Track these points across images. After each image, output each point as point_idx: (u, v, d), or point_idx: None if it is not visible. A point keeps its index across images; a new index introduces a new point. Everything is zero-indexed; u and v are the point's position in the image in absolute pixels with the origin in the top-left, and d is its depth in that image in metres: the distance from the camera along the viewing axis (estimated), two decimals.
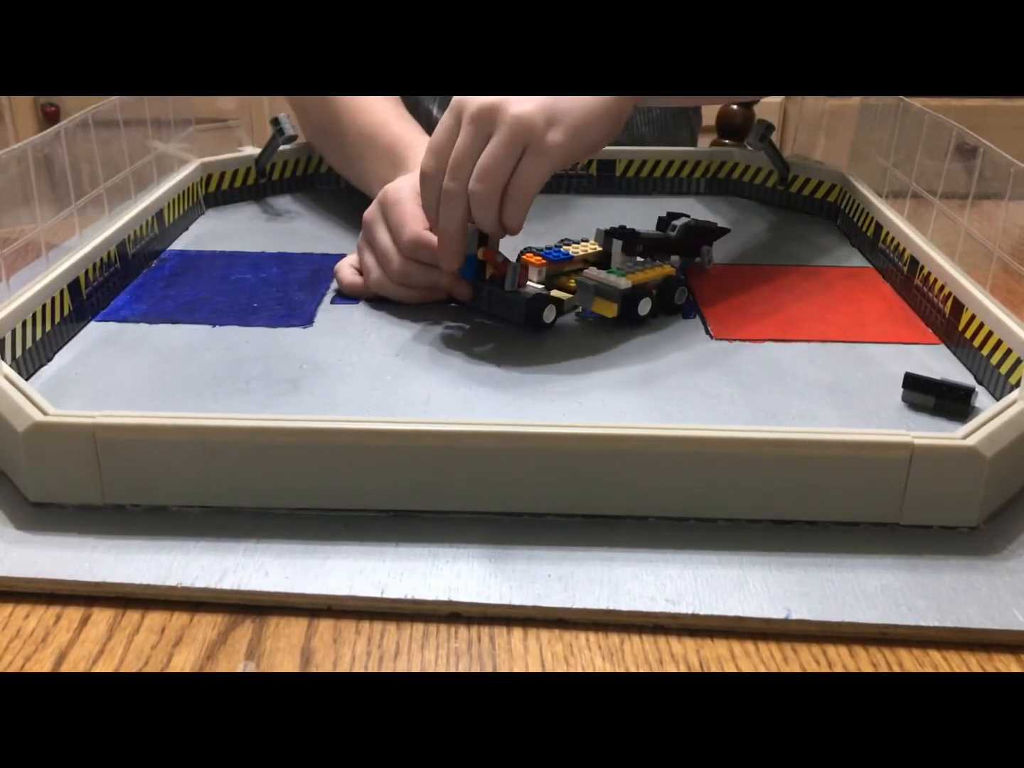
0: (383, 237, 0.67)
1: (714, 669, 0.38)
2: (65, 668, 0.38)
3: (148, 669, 0.38)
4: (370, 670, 0.38)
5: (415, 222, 0.64)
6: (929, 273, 0.65)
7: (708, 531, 0.45)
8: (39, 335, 0.58)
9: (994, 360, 0.56)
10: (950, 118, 0.64)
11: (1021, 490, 0.48)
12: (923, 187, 0.68)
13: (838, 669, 0.38)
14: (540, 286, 0.64)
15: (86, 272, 0.64)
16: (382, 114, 0.79)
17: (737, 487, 0.45)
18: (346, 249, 0.77)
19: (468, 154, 0.58)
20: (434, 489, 0.45)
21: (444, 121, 0.60)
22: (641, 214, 0.86)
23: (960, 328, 0.60)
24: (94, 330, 0.63)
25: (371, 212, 0.68)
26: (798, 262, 0.76)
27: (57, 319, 0.60)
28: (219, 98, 0.92)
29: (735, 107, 0.95)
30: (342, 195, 0.89)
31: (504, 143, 0.57)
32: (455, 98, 0.60)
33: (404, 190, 0.66)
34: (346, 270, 0.69)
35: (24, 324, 0.56)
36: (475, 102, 0.58)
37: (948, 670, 0.38)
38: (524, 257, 0.65)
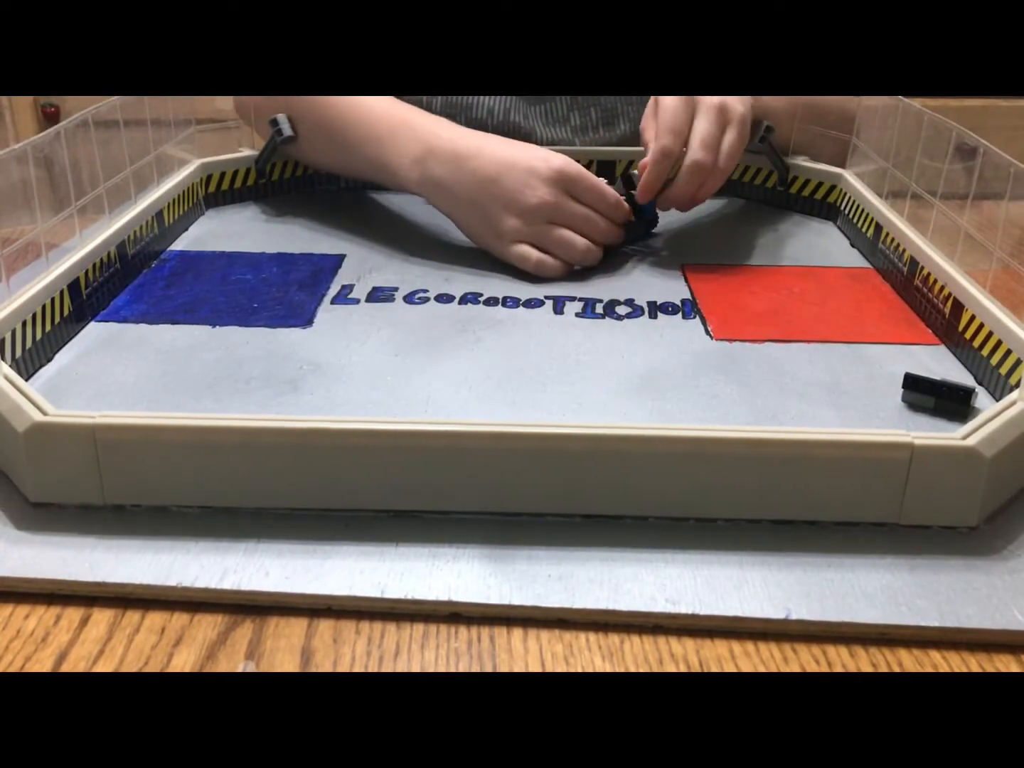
0: (580, 209, 0.72)
1: (714, 669, 0.38)
2: (65, 668, 0.38)
3: (148, 669, 0.38)
4: (370, 670, 0.38)
5: (606, 186, 0.73)
6: (929, 273, 0.65)
7: (708, 531, 0.45)
8: (39, 335, 0.58)
9: (994, 360, 0.56)
10: (950, 118, 0.64)
11: (1021, 490, 0.48)
12: (923, 187, 0.68)
13: (838, 669, 0.38)
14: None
15: (86, 272, 0.64)
16: (368, 100, 0.79)
17: (737, 487, 0.45)
18: (346, 249, 0.77)
19: (715, 135, 0.72)
20: (434, 489, 0.45)
21: (678, 108, 0.71)
22: None
23: (960, 328, 0.60)
24: (94, 330, 0.63)
25: (549, 193, 0.71)
26: (798, 262, 0.76)
27: (57, 319, 0.60)
28: (219, 98, 0.91)
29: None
30: (342, 195, 0.89)
31: (714, 119, 0.72)
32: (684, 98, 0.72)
33: (573, 163, 0.72)
34: (542, 257, 0.72)
35: (24, 324, 0.56)
36: (709, 99, 0.72)
37: (948, 670, 0.38)
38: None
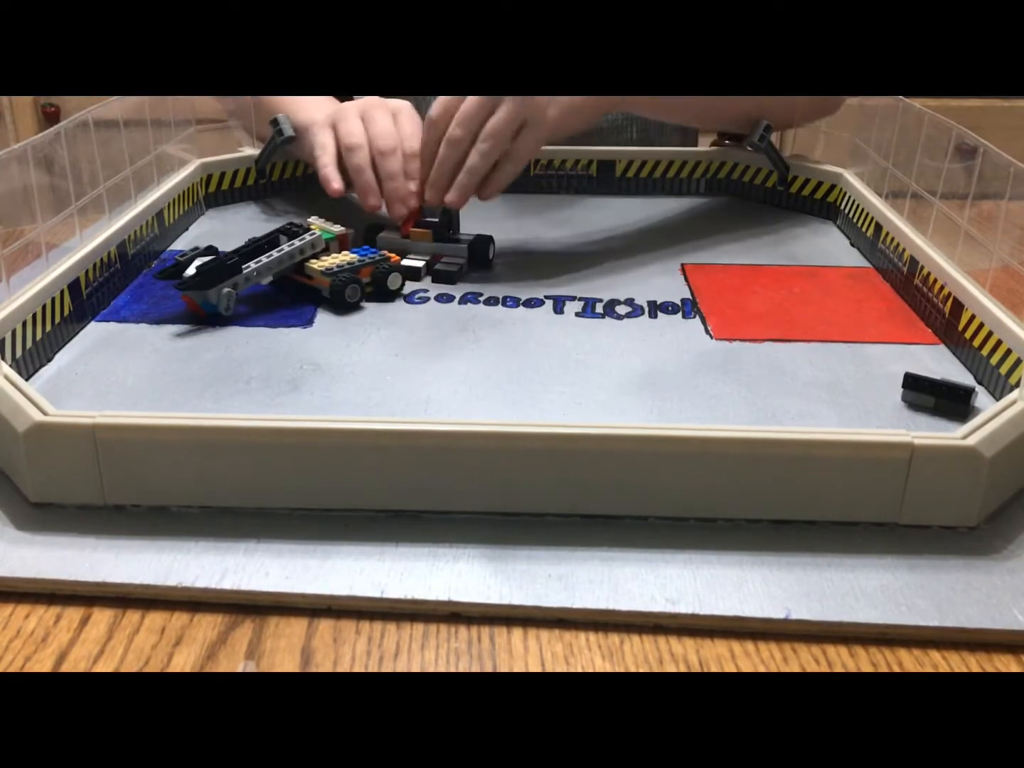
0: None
1: (714, 669, 0.38)
2: (65, 668, 0.38)
3: (148, 669, 0.38)
4: (370, 670, 0.38)
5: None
6: (929, 273, 0.65)
7: (708, 531, 0.45)
8: (39, 335, 0.58)
9: (994, 360, 0.56)
10: (950, 118, 0.64)
11: (1021, 490, 0.48)
12: (923, 187, 0.68)
13: (838, 669, 0.38)
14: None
15: (86, 272, 0.64)
16: None
17: (737, 487, 0.45)
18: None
19: (478, 111, 0.68)
20: (434, 489, 0.45)
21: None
22: (641, 214, 0.86)
23: (960, 328, 0.60)
24: (94, 330, 0.63)
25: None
26: (798, 262, 0.76)
27: (57, 319, 0.60)
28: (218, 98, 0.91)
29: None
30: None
31: (510, 112, 0.68)
32: None
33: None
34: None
35: (24, 324, 0.56)
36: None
37: (948, 670, 0.38)
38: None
